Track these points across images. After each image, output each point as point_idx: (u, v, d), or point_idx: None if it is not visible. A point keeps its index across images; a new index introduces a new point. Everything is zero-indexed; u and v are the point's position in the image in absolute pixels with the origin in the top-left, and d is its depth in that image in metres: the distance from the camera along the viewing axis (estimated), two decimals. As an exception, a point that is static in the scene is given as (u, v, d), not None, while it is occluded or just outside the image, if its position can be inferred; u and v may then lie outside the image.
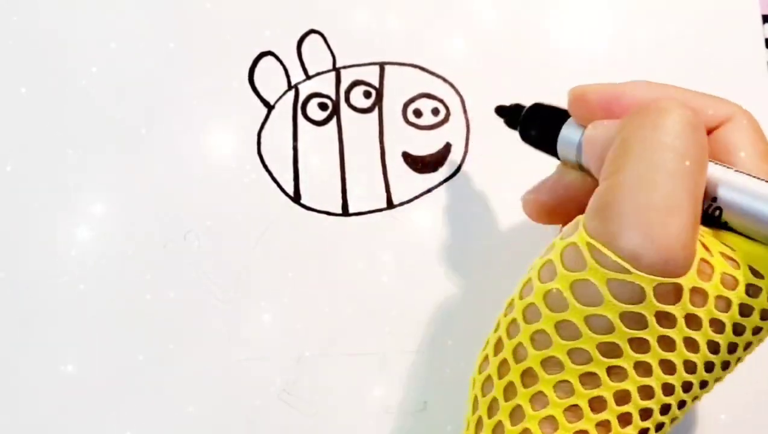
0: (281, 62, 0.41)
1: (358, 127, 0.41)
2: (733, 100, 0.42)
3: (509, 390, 0.28)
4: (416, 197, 0.40)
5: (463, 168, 0.41)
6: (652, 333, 0.26)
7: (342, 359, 0.38)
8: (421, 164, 0.41)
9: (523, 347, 0.27)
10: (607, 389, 0.26)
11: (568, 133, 0.32)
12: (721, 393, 0.40)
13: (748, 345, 0.28)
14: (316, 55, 0.41)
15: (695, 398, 0.28)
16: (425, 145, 0.41)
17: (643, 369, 0.26)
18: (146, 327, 0.38)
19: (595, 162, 0.29)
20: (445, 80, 0.42)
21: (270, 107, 0.41)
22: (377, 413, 0.38)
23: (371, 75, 0.41)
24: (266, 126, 0.41)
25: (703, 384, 0.28)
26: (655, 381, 0.26)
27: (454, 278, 0.39)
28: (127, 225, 0.39)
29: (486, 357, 0.29)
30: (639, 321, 0.26)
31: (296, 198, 0.40)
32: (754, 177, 0.27)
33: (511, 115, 0.36)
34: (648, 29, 0.43)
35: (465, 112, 0.41)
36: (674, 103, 0.27)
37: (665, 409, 0.27)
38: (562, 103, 0.33)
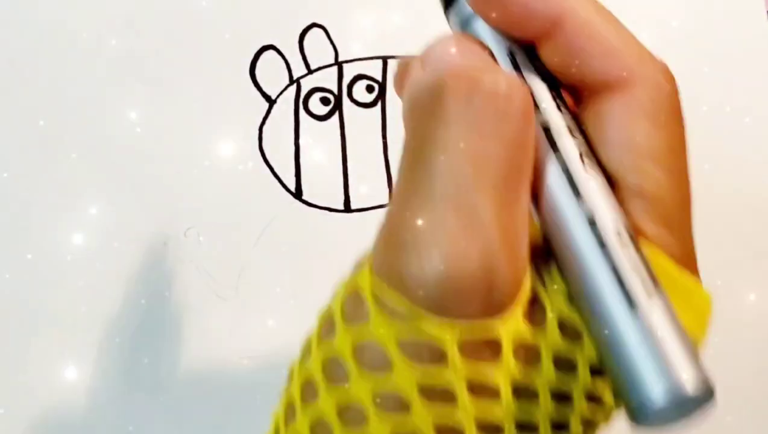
0: (283, 56, 0.41)
1: (360, 121, 0.40)
2: (740, 95, 0.42)
3: None
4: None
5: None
6: (465, 411, 0.18)
7: (344, 357, 0.38)
8: (423, 160, 0.41)
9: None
10: None
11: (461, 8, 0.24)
12: (727, 394, 0.40)
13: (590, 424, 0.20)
14: (318, 49, 0.41)
15: None
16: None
17: None
18: (145, 326, 0.38)
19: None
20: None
21: (272, 101, 0.41)
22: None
23: (374, 69, 0.41)
24: (268, 121, 0.40)
25: None
26: None
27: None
28: (128, 222, 0.39)
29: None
30: (445, 397, 0.18)
31: (298, 193, 0.40)
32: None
33: None
34: (653, 25, 0.43)
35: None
36: (481, 71, 0.19)
37: None
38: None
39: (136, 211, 0.39)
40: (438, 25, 0.42)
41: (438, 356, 0.18)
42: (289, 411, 0.20)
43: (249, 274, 0.39)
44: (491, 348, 0.18)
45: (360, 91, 0.41)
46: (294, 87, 0.41)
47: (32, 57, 0.40)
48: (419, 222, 0.18)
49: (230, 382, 0.38)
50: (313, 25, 0.41)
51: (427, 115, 0.19)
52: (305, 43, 0.41)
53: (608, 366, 0.19)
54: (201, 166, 0.40)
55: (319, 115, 0.41)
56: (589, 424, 0.20)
